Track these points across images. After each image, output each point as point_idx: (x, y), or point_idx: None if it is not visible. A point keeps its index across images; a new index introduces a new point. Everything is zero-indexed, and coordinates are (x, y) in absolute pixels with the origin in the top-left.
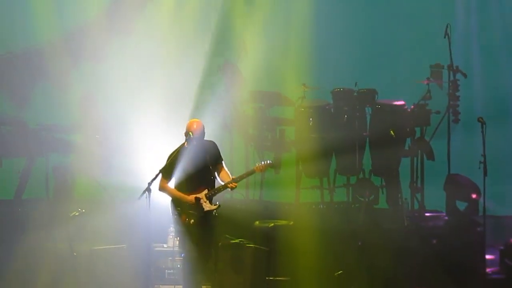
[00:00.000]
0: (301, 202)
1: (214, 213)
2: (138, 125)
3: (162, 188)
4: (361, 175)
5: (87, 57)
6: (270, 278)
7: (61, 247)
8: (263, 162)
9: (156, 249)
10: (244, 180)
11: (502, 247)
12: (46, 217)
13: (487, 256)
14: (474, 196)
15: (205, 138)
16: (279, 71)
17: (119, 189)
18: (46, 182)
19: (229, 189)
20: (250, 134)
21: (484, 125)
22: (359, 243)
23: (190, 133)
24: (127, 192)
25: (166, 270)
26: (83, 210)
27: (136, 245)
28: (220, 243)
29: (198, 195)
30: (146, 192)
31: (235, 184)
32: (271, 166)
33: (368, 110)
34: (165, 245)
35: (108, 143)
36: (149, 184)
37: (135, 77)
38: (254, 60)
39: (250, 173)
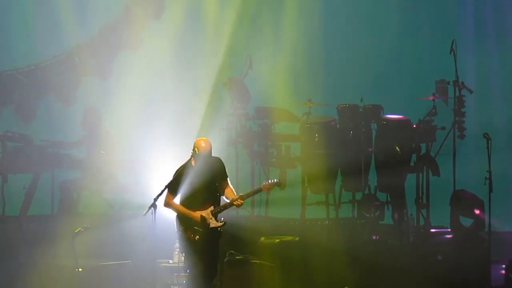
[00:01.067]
0: (306, 218)
1: (219, 229)
2: (144, 141)
3: (167, 204)
4: (366, 191)
5: (93, 72)
6: None
7: (66, 263)
8: (270, 181)
9: (162, 265)
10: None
11: (507, 263)
12: (51, 233)
13: (498, 271)
14: (477, 212)
15: (212, 155)
16: (284, 87)
17: (125, 205)
18: (51, 198)
19: (235, 207)
20: (256, 150)
21: (489, 141)
22: (365, 259)
23: (197, 151)
24: (132, 208)
25: (172, 286)
26: (88, 226)
27: (141, 261)
28: (225, 259)
29: (203, 212)
30: (152, 208)
31: (242, 201)
32: (277, 184)
33: (374, 126)
34: (170, 261)
35: (114, 159)
36: (155, 200)
37: (141, 93)
38: (259, 76)
39: (257, 191)
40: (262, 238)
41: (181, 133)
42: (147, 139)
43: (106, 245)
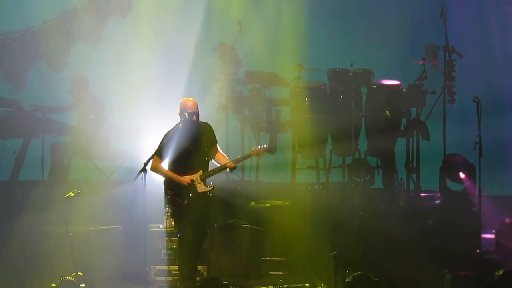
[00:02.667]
0: (297, 182)
1: (208, 194)
2: (134, 107)
3: (155, 168)
4: (356, 156)
5: (83, 38)
6: (266, 258)
7: (57, 228)
8: (259, 146)
9: (152, 229)
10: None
11: (497, 228)
12: (41, 198)
13: (484, 236)
14: (462, 176)
15: (201, 120)
16: (274, 52)
17: (115, 170)
18: (41, 163)
19: (227, 170)
20: (246, 115)
21: (479, 105)
22: (355, 224)
23: (186, 113)
24: (123, 173)
25: (162, 251)
26: (79, 191)
27: (132, 226)
28: (216, 224)
29: (192, 176)
30: (142, 172)
31: (234, 164)
32: (267, 150)
33: (364, 91)
34: (161, 226)
35: (104, 124)
36: (145, 164)
37: (130, 58)
38: (249, 41)
39: (247, 156)
40: (253, 203)
41: (170, 98)
42: (137, 104)
43: (97, 210)
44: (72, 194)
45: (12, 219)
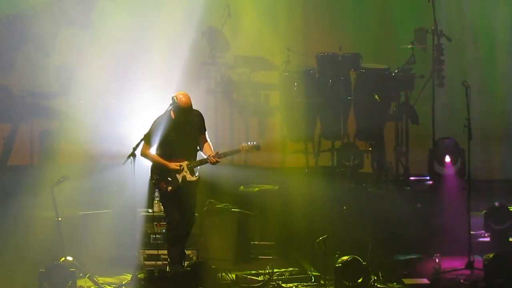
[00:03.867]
0: (286, 166)
1: (195, 182)
2: (123, 91)
3: (144, 154)
4: (345, 140)
5: (72, 23)
6: (255, 242)
7: (46, 213)
8: (249, 143)
9: (141, 214)
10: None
11: (486, 211)
12: (31, 183)
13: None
14: (447, 161)
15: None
16: (263, 36)
17: (104, 155)
18: (31, 148)
19: (210, 163)
20: (235, 99)
21: (468, 89)
22: (344, 208)
23: (178, 105)
24: (112, 158)
25: (152, 235)
26: (68, 176)
27: (122, 210)
28: (205, 208)
29: (181, 164)
30: (131, 157)
31: (217, 159)
32: (256, 148)
33: (353, 75)
34: (150, 210)
35: (93, 109)
36: (134, 149)
37: (119, 43)
38: (238, 25)
39: (235, 152)
40: (242, 187)
41: (160, 82)
42: (126, 89)
43: (86, 195)
44: (62, 179)
45: (1, 204)
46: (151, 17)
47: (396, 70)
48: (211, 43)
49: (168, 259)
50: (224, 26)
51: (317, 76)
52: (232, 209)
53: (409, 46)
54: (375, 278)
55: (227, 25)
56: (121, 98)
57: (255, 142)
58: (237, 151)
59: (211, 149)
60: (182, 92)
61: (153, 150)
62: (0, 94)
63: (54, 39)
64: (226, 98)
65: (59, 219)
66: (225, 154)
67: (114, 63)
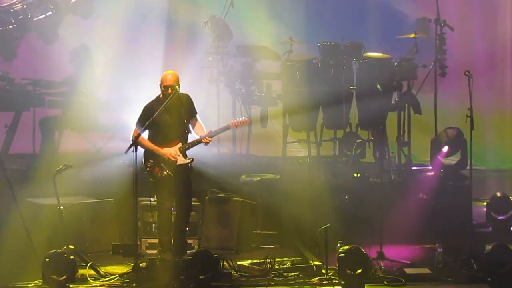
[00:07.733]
0: (288, 156)
1: (188, 165)
2: (125, 80)
3: (135, 140)
4: (347, 129)
5: (74, 11)
6: (257, 231)
7: (48, 202)
8: (238, 118)
9: (143, 203)
10: (232, 134)
11: (488, 201)
12: (33, 172)
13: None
14: (444, 150)
15: (183, 92)
16: (266, 25)
17: (106, 143)
18: (33, 136)
19: (203, 144)
20: (237, 88)
21: (471, 79)
22: (346, 197)
23: (167, 86)
24: (114, 146)
25: (153, 224)
26: (70, 165)
27: (123, 199)
28: (207, 197)
29: (171, 149)
30: (133, 146)
31: (209, 139)
32: (246, 122)
33: (355, 64)
34: (152, 199)
35: (95, 97)
36: (136, 138)
37: (121, 31)
38: (241, 14)
39: (225, 128)
40: (244, 176)
41: (162, 71)
42: (128, 77)
43: (88, 183)
44: (63, 168)
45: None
46: (154, 5)
47: (399, 60)
48: (213, 32)
49: (159, 246)
50: (226, 15)
51: (319, 65)
52: (234, 198)
53: (412, 36)
54: (376, 267)
55: (229, 14)
56: (123, 86)
57: (244, 117)
58: (227, 128)
59: (203, 129)
60: (169, 71)
61: (145, 136)
62: (2, 82)
63: (56, 27)
64: (229, 87)
65: (61, 207)
66: (215, 132)
67: (116, 52)
